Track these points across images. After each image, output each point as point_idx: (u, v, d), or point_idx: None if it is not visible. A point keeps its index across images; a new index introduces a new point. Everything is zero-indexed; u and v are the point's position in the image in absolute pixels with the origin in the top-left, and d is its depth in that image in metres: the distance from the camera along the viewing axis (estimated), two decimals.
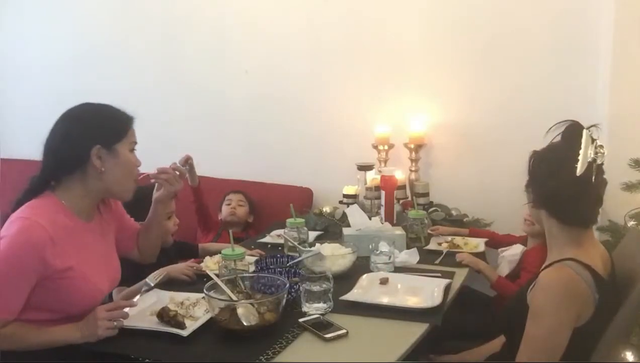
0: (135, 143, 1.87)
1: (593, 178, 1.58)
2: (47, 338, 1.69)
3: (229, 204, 3.22)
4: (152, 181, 2.01)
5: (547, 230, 1.71)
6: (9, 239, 1.65)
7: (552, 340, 1.54)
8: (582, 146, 1.57)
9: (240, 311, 1.68)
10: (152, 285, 1.96)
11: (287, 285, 1.79)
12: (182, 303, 1.88)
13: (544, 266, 1.67)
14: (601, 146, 1.59)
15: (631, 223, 2.58)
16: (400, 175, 3.10)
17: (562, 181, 1.60)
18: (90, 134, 1.77)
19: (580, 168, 1.56)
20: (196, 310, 1.84)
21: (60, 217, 1.74)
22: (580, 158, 1.56)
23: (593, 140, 1.59)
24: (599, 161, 1.59)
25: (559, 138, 1.66)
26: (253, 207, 3.31)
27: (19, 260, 1.63)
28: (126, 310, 1.74)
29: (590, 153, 1.58)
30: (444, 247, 2.54)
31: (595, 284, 1.57)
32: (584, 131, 1.59)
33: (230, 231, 2.22)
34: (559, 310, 1.54)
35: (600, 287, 1.57)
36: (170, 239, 2.45)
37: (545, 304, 1.56)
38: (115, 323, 1.68)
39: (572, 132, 1.62)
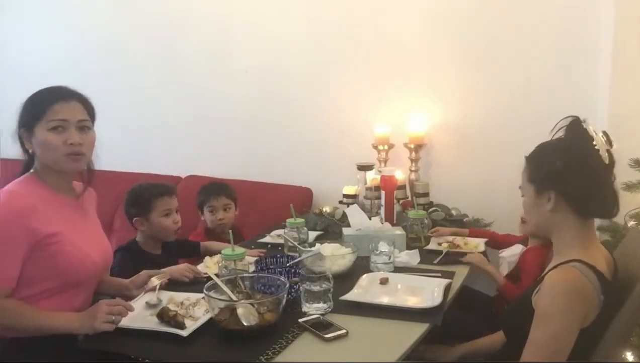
0: (62, 120, 1.83)
1: (611, 165, 1.62)
2: (45, 321, 1.73)
3: (212, 212, 2.83)
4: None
5: (555, 229, 1.67)
6: None
7: (558, 343, 1.53)
8: (594, 136, 1.59)
9: (240, 311, 1.68)
10: (156, 285, 1.98)
11: (287, 285, 1.79)
12: (182, 303, 1.88)
13: (549, 267, 1.66)
14: (606, 133, 1.63)
15: (631, 223, 2.58)
16: (400, 175, 3.10)
17: (583, 172, 1.61)
18: (18, 119, 1.88)
19: (604, 156, 1.59)
20: (196, 310, 1.84)
21: (40, 190, 1.84)
22: (598, 146, 1.59)
23: (596, 132, 1.61)
24: (612, 148, 1.62)
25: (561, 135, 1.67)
26: (236, 203, 2.97)
27: (5, 228, 1.72)
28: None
29: (604, 141, 1.60)
30: (444, 247, 2.54)
31: (601, 285, 1.56)
32: (585, 124, 1.62)
33: (230, 231, 2.22)
34: (566, 313, 1.53)
35: (605, 288, 1.57)
36: (171, 236, 2.46)
37: (552, 307, 1.54)
38: (113, 317, 1.68)
39: (577, 126, 1.64)
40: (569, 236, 1.64)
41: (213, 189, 2.88)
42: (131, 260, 2.32)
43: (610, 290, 1.60)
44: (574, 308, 1.53)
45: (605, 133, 1.63)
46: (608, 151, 1.62)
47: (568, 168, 1.61)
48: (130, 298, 1.94)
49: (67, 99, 1.86)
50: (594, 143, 1.61)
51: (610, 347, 1.66)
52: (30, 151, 1.85)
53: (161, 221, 2.41)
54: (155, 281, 1.99)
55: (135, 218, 2.41)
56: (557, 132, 1.69)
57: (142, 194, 2.44)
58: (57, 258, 1.78)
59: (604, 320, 1.59)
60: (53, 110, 1.83)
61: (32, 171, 1.88)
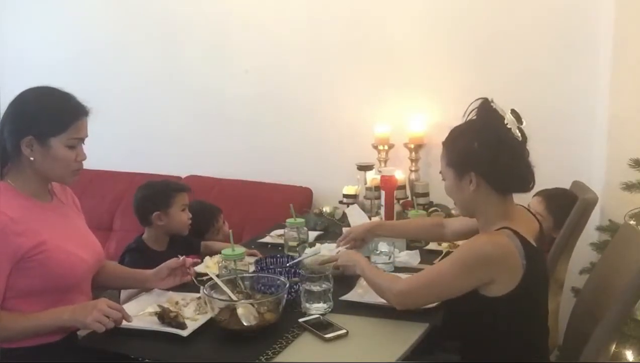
0: (80, 138, 1.80)
1: (524, 141, 1.69)
2: (35, 321, 1.68)
3: (219, 229, 2.80)
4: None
5: (478, 208, 1.73)
6: None
7: (448, 282, 1.64)
8: (504, 115, 1.67)
9: (240, 311, 1.69)
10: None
11: (287, 285, 1.79)
12: (176, 303, 1.88)
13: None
14: (515, 111, 1.70)
15: (631, 223, 2.58)
16: (400, 175, 3.10)
17: (499, 150, 1.65)
18: (24, 124, 1.75)
19: (517, 134, 1.66)
20: (186, 310, 1.83)
21: (16, 200, 1.74)
22: (510, 125, 1.66)
23: (505, 111, 1.69)
24: (522, 126, 1.70)
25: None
26: None
27: None
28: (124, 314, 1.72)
29: (514, 119, 1.67)
30: (444, 247, 2.53)
31: (525, 250, 1.62)
32: (494, 104, 1.68)
33: (230, 231, 2.22)
34: (469, 269, 1.61)
35: (528, 254, 1.62)
36: (185, 230, 2.48)
37: (464, 253, 1.64)
38: (107, 320, 1.65)
39: (487, 106, 1.70)
40: (492, 212, 1.71)
41: (208, 208, 2.80)
42: (141, 260, 2.31)
43: (535, 256, 1.66)
44: (479, 269, 1.61)
45: (513, 111, 1.69)
46: (519, 128, 1.68)
47: (484, 148, 1.66)
48: (147, 290, 1.98)
49: (85, 116, 1.81)
50: (505, 121, 1.67)
51: (601, 343, 1.71)
52: (31, 158, 1.74)
53: (180, 215, 2.44)
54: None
55: (155, 213, 2.40)
56: (469, 114, 1.73)
57: (164, 189, 2.45)
58: (46, 266, 1.71)
59: (529, 284, 1.63)
60: (76, 127, 1.78)
61: (5, 179, 1.78)
